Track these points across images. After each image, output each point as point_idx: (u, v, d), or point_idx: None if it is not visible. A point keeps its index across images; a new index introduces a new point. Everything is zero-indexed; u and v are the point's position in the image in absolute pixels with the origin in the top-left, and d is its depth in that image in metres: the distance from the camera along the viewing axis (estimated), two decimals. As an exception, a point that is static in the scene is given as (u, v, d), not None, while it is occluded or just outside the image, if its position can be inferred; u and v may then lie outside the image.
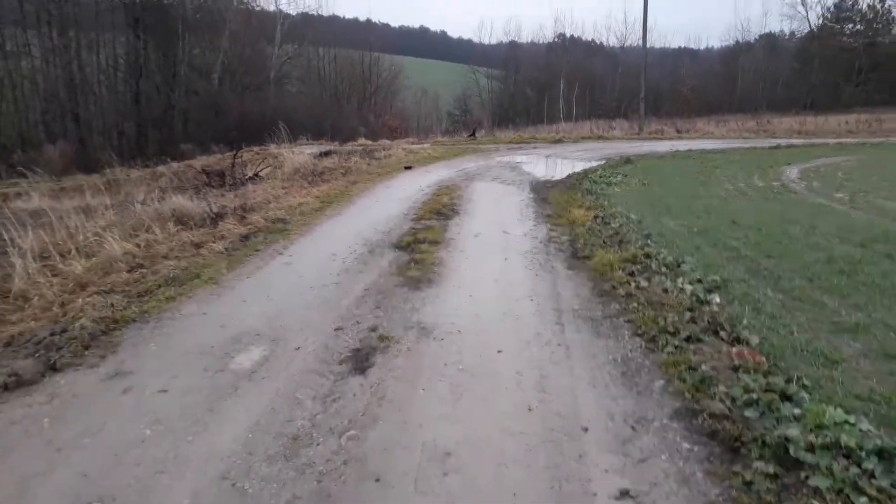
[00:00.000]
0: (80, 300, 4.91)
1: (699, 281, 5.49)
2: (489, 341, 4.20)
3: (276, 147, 20.56)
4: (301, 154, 16.99)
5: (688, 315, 4.61)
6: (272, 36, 40.29)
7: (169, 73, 36.24)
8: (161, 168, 20.72)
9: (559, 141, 24.72)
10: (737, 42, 59.78)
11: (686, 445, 2.95)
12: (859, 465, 2.73)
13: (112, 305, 4.59)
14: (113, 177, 18.14)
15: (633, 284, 5.36)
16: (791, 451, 2.84)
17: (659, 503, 2.54)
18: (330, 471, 2.71)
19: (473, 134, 28.25)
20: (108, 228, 7.29)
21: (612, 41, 62.38)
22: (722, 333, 4.33)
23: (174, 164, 21.08)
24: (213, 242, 6.74)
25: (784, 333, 4.37)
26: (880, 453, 2.82)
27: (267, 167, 15.67)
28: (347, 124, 33.47)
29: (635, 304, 4.86)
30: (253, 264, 6.10)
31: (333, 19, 50.74)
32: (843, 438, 2.89)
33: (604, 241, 7.02)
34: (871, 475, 2.67)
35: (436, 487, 2.62)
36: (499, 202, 9.99)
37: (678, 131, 29.50)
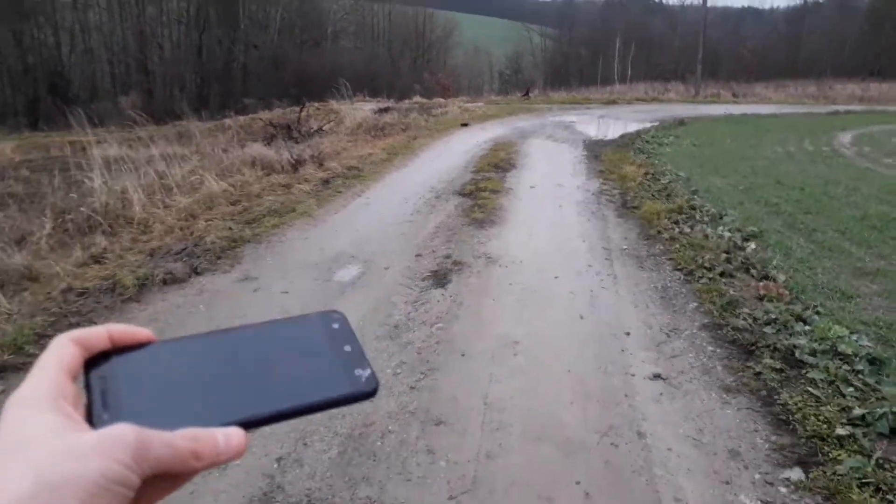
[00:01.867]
0: (198, 225, 5.83)
1: (738, 230, 6.06)
2: (547, 269, 4.93)
3: (336, 103, 21.36)
4: (361, 110, 17.74)
5: (724, 256, 5.23)
6: (330, -10, 40.79)
7: (230, 27, 37.23)
8: (228, 121, 21.80)
9: (613, 102, 24.82)
10: (804, 1, 57.34)
11: (710, 348, 3.65)
12: (851, 366, 3.39)
13: (230, 228, 5.49)
14: (183, 128, 19.30)
15: (676, 230, 5.99)
16: (796, 354, 3.51)
17: (684, 385, 3.25)
18: (426, 347, 3.52)
19: (527, 94, 28.48)
20: (202, 170, 8.21)
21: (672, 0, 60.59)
22: (753, 271, 4.95)
23: (240, 118, 22.14)
24: (299, 184, 7.59)
25: (809, 274, 4.96)
26: (871, 359, 3.47)
27: (329, 122, 16.49)
28: (402, 82, 34.02)
29: (677, 246, 5.50)
30: (338, 203, 6.94)
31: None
32: (842, 347, 3.54)
33: (652, 195, 7.59)
34: (860, 373, 3.33)
35: (508, 361, 3.40)
36: (553, 158, 10.57)
37: (735, 95, 29.07)
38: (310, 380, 0.40)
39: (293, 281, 4.53)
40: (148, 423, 0.34)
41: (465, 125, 15.45)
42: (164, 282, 4.31)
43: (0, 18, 30.78)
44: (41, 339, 3.45)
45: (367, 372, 0.41)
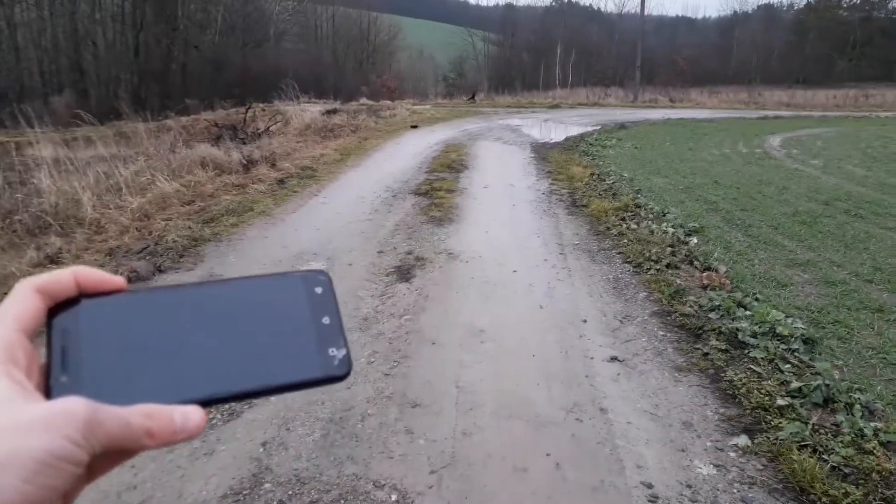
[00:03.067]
0: (156, 224, 5.78)
1: (681, 226, 6.41)
2: (505, 263, 5.13)
3: (282, 104, 21.15)
4: (308, 111, 17.65)
5: (669, 250, 5.55)
6: (273, -9, 40.25)
7: (168, 26, 36.26)
8: (168, 122, 21.28)
9: (556, 106, 25.44)
10: (734, 12, 60.11)
11: (661, 333, 3.91)
12: (788, 346, 3.70)
13: (190, 228, 5.47)
14: (121, 129, 18.74)
15: (624, 226, 6.30)
16: (739, 336, 3.80)
17: (639, 366, 3.49)
18: (396, 337, 3.65)
19: (473, 97, 28.87)
20: (152, 171, 8.09)
21: (611, 7, 62.48)
22: (696, 263, 5.28)
23: (182, 118, 21.64)
24: (254, 184, 7.59)
25: (747, 265, 5.34)
26: (805, 339, 3.80)
27: (276, 122, 16.35)
28: (348, 84, 33.90)
29: (625, 241, 5.80)
30: (295, 202, 6.97)
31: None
32: (779, 328, 3.86)
33: (599, 194, 7.93)
34: (796, 352, 3.64)
35: (476, 348, 3.57)
36: (503, 160, 10.84)
37: (672, 101, 30.24)
38: (279, 356, 0.38)
39: (258, 278, 4.58)
40: (104, 392, 0.33)
41: (414, 127, 15.61)
42: (129, 280, 4.28)
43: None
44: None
45: (342, 353, 0.39)
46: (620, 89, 36.41)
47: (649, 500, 2.39)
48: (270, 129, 15.61)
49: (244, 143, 14.13)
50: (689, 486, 2.48)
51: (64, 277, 0.37)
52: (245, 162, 9.00)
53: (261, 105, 21.06)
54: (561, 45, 48.46)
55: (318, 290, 0.41)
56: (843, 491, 2.42)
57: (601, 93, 33.86)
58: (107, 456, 0.32)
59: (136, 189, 7.73)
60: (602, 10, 63.28)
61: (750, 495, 2.44)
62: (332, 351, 0.39)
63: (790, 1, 61.52)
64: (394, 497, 2.35)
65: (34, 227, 6.14)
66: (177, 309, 0.38)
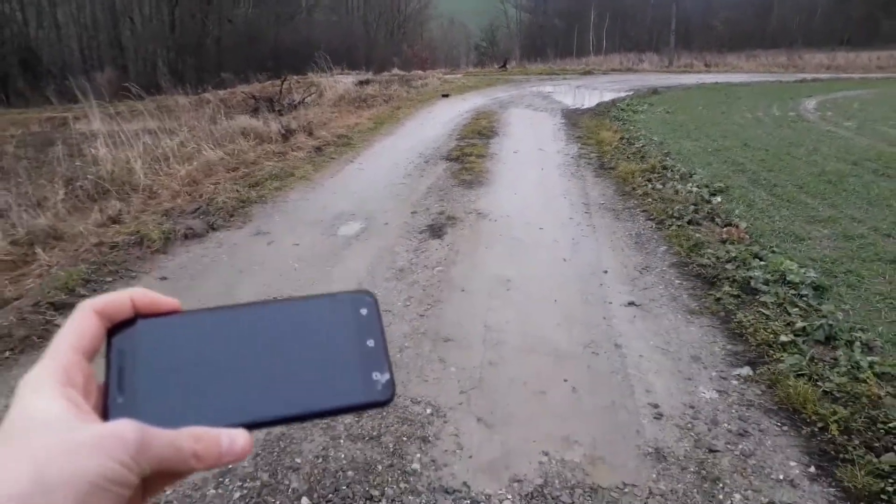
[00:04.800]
0: (205, 188, 6.20)
1: (706, 186, 6.58)
2: (532, 222, 5.40)
3: (315, 76, 21.48)
4: (342, 82, 17.95)
5: (692, 208, 5.75)
6: (304, -37, 40.34)
7: (203, 0, 36.73)
8: (206, 95, 21.81)
9: (589, 73, 25.23)
10: (776, -28, 57.79)
11: (677, 281, 4.17)
12: (798, 292, 3.93)
13: (237, 191, 5.87)
14: (161, 102, 19.32)
15: (649, 187, 6.49)
16: (752, 283, 4.04)
17: (654, 309, 3.77)
18: (430, 285, 3.99)
19: (504, 65, 28.74)
20: (198, 140, 8.52)
21: (647, -30, 60.69)
22: (717, 220, 5.48)
23: (219, 92, 22.15)
24: (293, 152, 7.96)
25: (768, 222, 5.51)
26: (815, 286, 4.02)
27: (311, 94, 16.70)
28: (380, 54, 34.01)
29: (650, 200, 6.01)
30: (333, 168, 7.33)
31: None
32: (790, 276, 4.08)
33: (627, 157, 8.09)
34: (805, 297, 3.87)
35: (502, 295, 3.88)
36: (533, 126, 11.01)
37: (707, 65, 29.65)
38: (324, 380, 0.39)
39: (302, 235, 4.96)
40: (156, 412, 0.35)
41: (445, 96, 15.79)
42: (186, 236, 4.72)
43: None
44: (88, 283, 3.86)
45: (386, 377, 0.40)
46: (655, 55, 35.73)
47: (655, 417, 2.70)
48: (305, 100, 15.98)
49: (281, 115, 14.52)
50: (692, 407, 2.78)
51: (121, 299, 0.38)
52: (284, 131, 9.38)
53: (295, 77, 21.43)
54: (595, 10, 47.56)
55: (364, 311, 0.42)
56: (832, 410, 2.69)
57: (635, 58, 33.31)
58: (157, 477, 0.33)
59: (182, 158, 8.17)
60: (637, -28, 61.40)
61: (746, 413, 2.73)
62: (376, 375, 0.39)
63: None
64: (428, 411, 2.71)
65: (93, 192, 6.62)
66: (227, 330, 0.39)
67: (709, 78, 23.11)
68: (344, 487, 2.27)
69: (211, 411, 0.36)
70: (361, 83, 18.36)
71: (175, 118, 15.38)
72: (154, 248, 4.48)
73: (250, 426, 0.37)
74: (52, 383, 0.33)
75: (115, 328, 0.38)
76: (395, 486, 2.28)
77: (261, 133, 9.78)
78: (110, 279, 4.01)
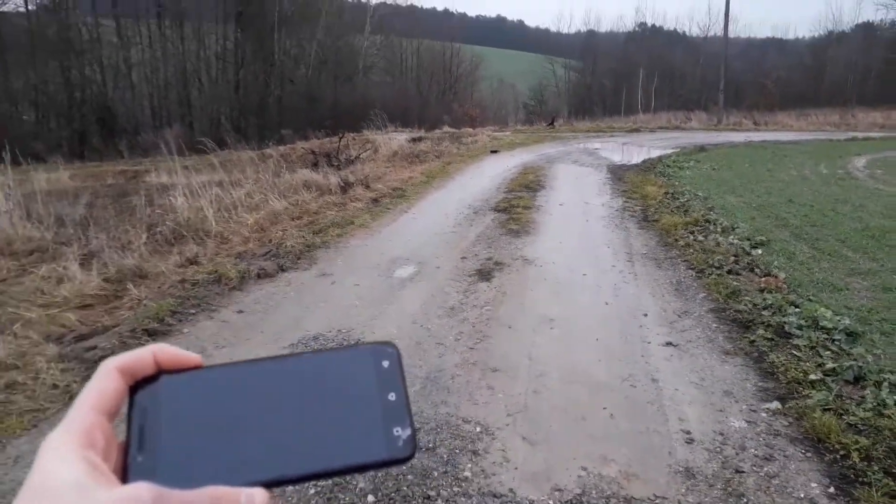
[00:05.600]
0: (273, 234, 6.76)
1: (748, 239, 6.78)
2: (576, 268, 5.72)
3: (370, 133, 22.53)
4: (395, 139, 18.82)
5: (732, 259, 5.97)
6: (362, 27, 42.60)
7: (267, 63, 39.06)
8: (269, 150, 23.09)
9: (636, 130, 25.64)
10: (829, 32, 57.73)
11: (714, 325, 4.40)
12: (830, 337, 4.11)
13: (303, 237, 6.40)
14: (225, 158, 20.57)
15: (691, 238, 6.75)
16: (786, 328, 4.24)
17: (691, 350, 4.01)
18: (479, 322, 4.34)
19: (552, 123, 29.46)
20: (265, 190, 9.20)
21: (695, 31, 61.77)
22: (756, 270, 5.69)
23: (280, 147, 23.43)
24: (352, 202, 8.54)
25: (807, 273, 5.68)
26: (848, 332, 4.19)
27: (367, 150, 17.57)
28: (431, 113, 35.32)
29: (691, 251, 6.25)
30: (388, 217, 7.84)
31: (412, 10, 52.45)
32: (823, 322, 4.27)
33: (671, 210, 8.36)
34: (838, 342, 4.05)
35: (546, 332, 4.20)
36: (579, 180, 11.40)
37: (756, 123, 29.71)
38: (344, 436, 0.39)
39: (362, 277, 5.40)
40: (175, 472, 0.36)
41: (494, 152, 16.39)
42: (259, 276, 5.22)
43: (51, 56, 32.84)
44: (175, 314, 4.36)
45: (407, 433, 0.39)
46: (703, 113, 35.98)
47: (686, 441, 2.94)
48: (361, 155, 16.82)
49: (339, 169, 15.34)
50: (722, 434, 3.01)
51: (143, 356, 0.39)
52: (342, 184, 10.01)
53: (351, 134, 22.54)
54: (643, 69, 48.33)
55: (386, 363, 0.42)
56: (855, 440, 2.88)
57: (683, 116, 33.64)
58: None
59: (249, 207, 8.84)
60: (687, 33, 62.44)
61: (773, 442, 2.94)
62: (397, 430, 0.39)
63: (892, 19, 58.51)
64: (478, 429, 3.02)
65: (171, 237, 7.27)
66: (248, 385, 0.40)
67: (757, 136, 23.20)
68: (404, 488, 2.59)
69: (231, 469, 0.36)
70: (414, 140, 19.20)
71: (240, 172, 16.35)
72: (231, 285, 4.99)
73: (269, 484, 0.37)
74: (73, 446, 0.34)
75: (138, 385, 0.39)
76: (448, 490, 2.59)
77: (321, 185, 10.45)
78: (193, 311, 4.50)
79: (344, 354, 0.43)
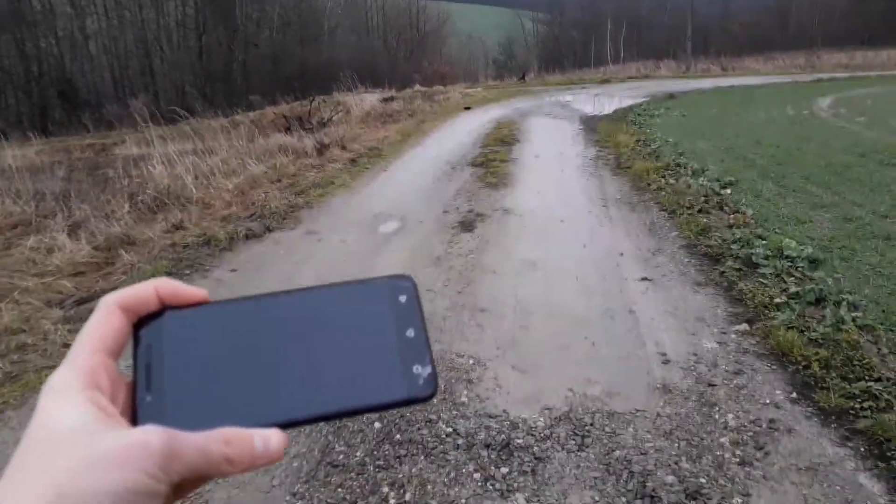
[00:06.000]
0: (253, 198, 6.85)
1: (717, 180, 7.03)
2: (554, 216, 5.93)
3: (341, 94, 22.30)
4: (367, 100, 18.70)
5: (702, 199, 6.22)
6: (325, -14, 41.67)
7: (229, 28, 38.11)
8: (238, 117, 22.76)
9: (606, 81, 25.74)
10: (793, -27, 57.74)
11: (686, 259, 4.66)
12: (794, 264, 4.39)
13: (286, 198, 6.50)
14: (197, 126, 20.27)
15: (663, 182, 6.98)
16: (753, 258, 4.51)
17: (665, 283, 4.26)
18: (464, 269, 4.54)
19: (523, 77, 29.39)
20: (243, 156, 9.21)
21: (661, -23, 61.03)
22: (725, 208, 5.95)
23: (249, 114, 23.10)
24: (330, 163, 8.61)
25: (773, 209, 5.96)
26: (811, 260, 4.47)
27: (338, 112, 17.46)
28: (401, 72, 34.92)
29: (663, 194, 6.49)
30: (368, 176, 7.95)
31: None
32: (788, 252, 4.54)
33: (643, 157, 8.58)
34: (800, 268, 4.33)
35: (529, 274, 4.42)
36: (553, 132, 11.55)
37: (724, 69, 29.96)
38: (361, 375, 0.37)
39: (347, 233, 5.55)
40: (186, 412, 0.34)
41: (467, 108, 16.42)
42: (247, 237, 5.35)
43: (3, 30, 31.66)
44: (170, 275, 4.45)
45: (428, 370, 0.38)
46: (672, 61, 36.11)
47: (663, 362, 3.20)
48: (334, 117, 16.71)
49: (312, 132, 15.26)
50: (695, 354, 3.27)
51: (145, 291, 0.37)
52: (318, 146, 10.04)
53: (322, 96, 22.30)
54: (611, 19, 48.07)
55: (403, 298, 0.40)
56: (815, 352, 3.16)
57: (652, 65, 33.73)
58: (187, 481, 0.32)
59: (226, 173, 8.86)
60: (652, -20, 61.92)
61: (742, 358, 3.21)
62: (417, 368, 0.37)
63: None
64: (471, 361, 3.24)
65: (153, 205, 7.31)
66: (259, 321, 0.38)
67: (725, 82, 23.46)
68: (408, 414, 2.81)
69: (243, 410, 0.35)
70: (386, 100, 19.10)
71: (212, 139, 16.16)
72: (221, 246, 5.11)
73: (286, 426, 0.35)
74: (76, 388, 0.32)
75: (142, 321, 0.37)
76: (448, 413, 2.82)
77: (297, 149, 10.46)
78: (188, 272, 4.64)
79: (359, 289, 0.40)
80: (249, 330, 0.37)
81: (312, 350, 0.37)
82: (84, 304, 3.96)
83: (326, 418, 0.36)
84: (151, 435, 0.31)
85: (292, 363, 0.37)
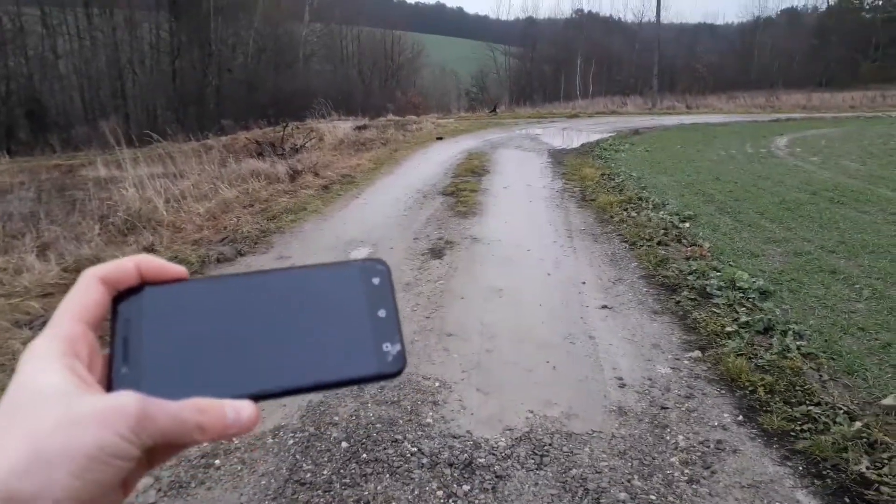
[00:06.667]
0: (225, 222, 6.91)
1: (676, 214, 7.33)
2: (521, 244, 6.12)
3: (314, 122, 22.48)
4: (340, 128, 18.89)
5: (662, 232, 6.48)
6: (301, 14, 42.07)
7: (203, 52, 38.16)
8: (209, 141, 22.73)
9: (575, 116, 26.41)
10: (756, 17, 60.40)
11: (644, 289, 4.87)
12: (745, 295, 4.62)
13: (258, 223, 6.58)
14: (165, 149, 20.19)
15: (625, 215, 7.25)
16: (707, 289, 4.74)
17: (623, 311, 4.45)
18: (433, 294, 4.67)
19: (494, 110, 29.96)
20: (216, 180, 9.26)
21: (630, 17, 63.26)
22: (684, 241, 6.21)
23: (221, 138, 23.10)
24: (303, 189, 8.72)
25: (729, 242, 6.24)
26: (762, 291, 4.72)
27: (311, 139, 17.60)
28: (375, 101, 35.30)
29: (625, 226, 6.75)
30: (340, 203, 8.08)
31: (354, -3, 52.07)
32: (740, 283, 4.78)
33: (607, 190, 8.88)
34: (752, 300, 4.56)
35: (495, 300, 4.57)
36: (521, 164, 11.85)
37: (688, 107, 31.00)
38: (333, 350, 0.39)
39: (319, 258, 5.64)
40: (161, 383, 0.35)
41: (440, 139, 16.71)
42: (218, 260, 5.41)
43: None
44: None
45: (397, 348, 0.39)
46: (639, 97, 37.23)
47: (619, 386, 3.36)
48: (307, 144, 16.84)
49: (285, 158, 15.34)
50: (650, 379, 3.44)
51: (126, 266, 0.38)
52: (291, 172, 10.15)
53: (295, 123, 22.44)
54: (581, 56, 49.47)
55: (376, 280, 0.41)
56: (761, 378, 3.36)
57: (620, 101, 34.73)
58: (161, 447, 0.34)
59: (197, 197, 8.90)
60: (622, 19, 64.14)
61: (693, 383, 3.39)
62: (387, 346, 0.39)
63: (814, 4, 61.65)
64: (437, 384, 3.36)
65: (123, 227, 7.32)
66: (235, 299, 0.39)
67: (689, 119, 24.29)
68: (374, 434, 2.91)
69: (217, 382, 0.36)
70: (359, 128, 19.31)
71: (183, 163, 16.13)
72: (192, 270, 5.15)
73: (257, 397, 0.36)
74: (55, 355, 0.33)
75: (121, 296, 0.38)
76: (413, 433, 2.92)
77: (269, 174, 10.54)
78: (159, 294, 4.68)
79: (334, 270, 0.42)
80: (226, 307, 0.39)
81: (286, 327, 0.39)
82: (54, 324, 3.97)
83: (298, 391, 0.37)
84: (127, 398, 0.32)
85: (266, 339, 0.38)
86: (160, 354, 0.36)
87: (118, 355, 0.36)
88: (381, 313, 0.40)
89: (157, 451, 0.34)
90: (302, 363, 0.38)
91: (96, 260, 5.72)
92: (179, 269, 0.39)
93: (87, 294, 0.36)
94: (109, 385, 0.35)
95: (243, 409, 0.35)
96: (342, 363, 0.38)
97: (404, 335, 0.41)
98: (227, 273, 0.47)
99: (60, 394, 0.31)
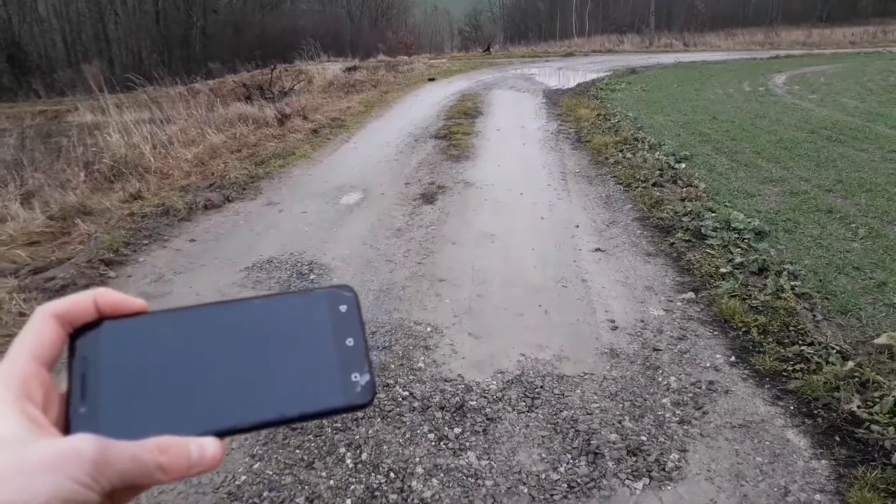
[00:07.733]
0: (213, 168, 6.77)
1: (672, 154, 7.21)
2: (514, 188, 6.02)
3: (303, 63, 21.91)
4: (329, 69, 18.43)
5: (657, 173, 6.38)
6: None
7: (187, -9, 36.89)
8: (196, 85, 22.19)
9: (570, 55, 25.80)
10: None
11: (638, 231, 4.81)
12: (741, 236, 4.58)
13: (246, 168, 6.45)
14: (154, 94, 19.71)
15: (620, 156, 7.12)
16: (702, 230, 4.69)
17: (617, 253, 4.40)
18: (425, 240, 4.61)
19: (488, 49, 29.23)
20: (202, 125, 9.05)
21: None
22: (679, 182, 6.12)
23: (208, 82, 22.54)
24: (291, 134, 8.54)
25: (724, 182, 6.16)
26: (757, 231, 4.67)
27: (300, 81, 17.18)
28: (365, 41, 34.38)
29: (620, 168, 6.64)
30: (330, 147, 7.92)
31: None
32: (735, 224, 4.72)
33: (603, 131, 8.71)
34: (746, 239, 4.52)
35: (487, 246, 4.51)
36: (516, 105, 11.61)
37: (686, 45, 30.30)
38: (300, 383, 0.37)
39: (308, 204, 5.56)
40: (120, 423, 0.34)
41: (432, 80, 16.33)
42: (206, 207, 5.31)
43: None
44: (129, 245, 4.46)
45: (366, 378, 0.38)
46: (636, 35, 36.32)
47: (611, 329, 3.34)
48: (295, 87, 16.45)
49: (273, 102, 14.99)
50: (642, 321, 3.42)
51: (83, 301, 0.36)
52: (280, 116, 9.92)
53: (283, 65, 21.87)
54: (577, -8, 47.96)
55: (343, 307, 0.41)
56: (754, 318, 3.34)
57: (616, 40, 33.89)
58: (122, 489, 0.32)
59: (185, 143, 8.71)
60: (619, -47, 61.84)
61: (686, 325, 3.38)
62: (355, 376, 0.38)
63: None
64: (429, 329, 3.34)
65: (110, 174, 7.17)
66: (197, 331, 0.38)
67: (686, 57, 23.76)
68: (365, 380, 2.89)
69: (180, 419, 0.35)
70: (349, 69, 18.85)
71: (170, 108, 15.75)
72: (180, 216, 5.08)
73: (222, 433, 0.35)
74: (8, 399, 0.32)
75: (78, 332, 0.36)
76: (405, 378, 2.91)
77: (257, 118, 10.31)
78: (146, 242, 4.60)
79: (298, 299, 0.41)
80: (188, 340, 0.38)
81: (250, 359, 0.38)
82: (40, 273, 3.92)
83: (264, 426, 0.37)
84: (83, 442, 0.31)
85: (230, 372, 0.37)
86: (119, 392, 0.35)
87: (76, 394, 0.35)
88: (349, 342, 0.40)
89: (117, 492, 0.32)
90: (268, 397, 0.37)
91: (82, 207, 5.63)
92: (139, 303, 0.38)
93: (41, 332, 0.35)
94: (67, 425, 0.34)
95: (207, 446, 0.34)
96: (309, 395, 0.37)
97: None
98: (189, 304, 0.41)
99: (14, 440, 0.30)
